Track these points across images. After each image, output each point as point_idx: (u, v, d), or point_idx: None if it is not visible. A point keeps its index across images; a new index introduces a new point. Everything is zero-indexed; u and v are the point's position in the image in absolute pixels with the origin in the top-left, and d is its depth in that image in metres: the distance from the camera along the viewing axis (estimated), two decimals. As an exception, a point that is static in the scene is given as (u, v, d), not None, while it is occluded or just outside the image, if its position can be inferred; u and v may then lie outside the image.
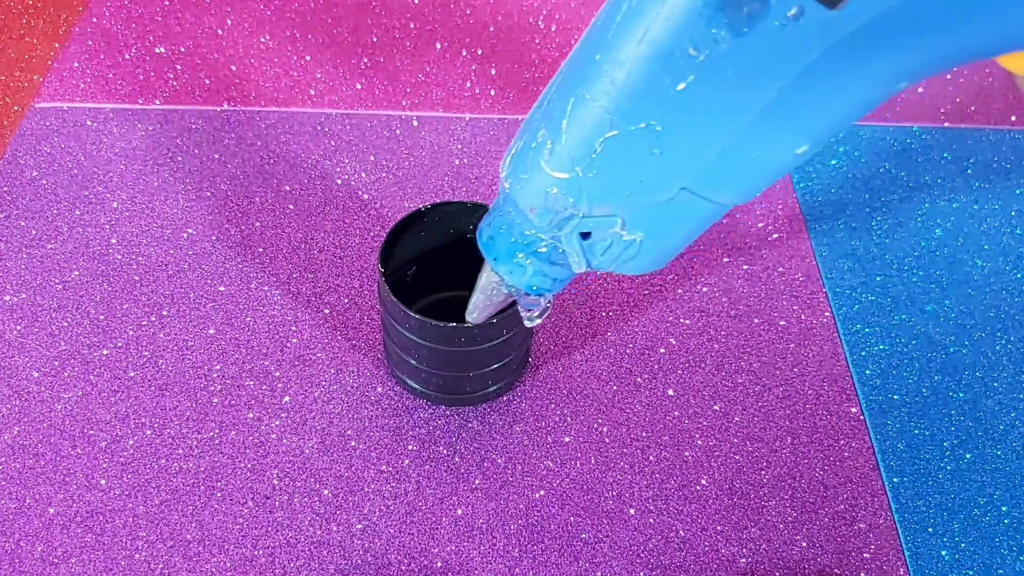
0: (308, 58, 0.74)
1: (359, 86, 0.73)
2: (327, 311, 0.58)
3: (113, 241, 0.61)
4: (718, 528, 0.50)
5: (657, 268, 0.31)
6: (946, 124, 0.73)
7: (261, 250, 0.61)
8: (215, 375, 0.54)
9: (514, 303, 0.39)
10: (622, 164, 0.26)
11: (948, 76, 0.77)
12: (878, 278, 0.62)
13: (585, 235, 0.29)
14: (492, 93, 0.72)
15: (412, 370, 0.51)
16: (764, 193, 0.67)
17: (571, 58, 0.27)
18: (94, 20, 0.77)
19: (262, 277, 0.59)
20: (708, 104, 0.24)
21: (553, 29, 0.77)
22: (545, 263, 0.32)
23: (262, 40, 0.76)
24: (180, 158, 0.66)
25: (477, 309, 0.39)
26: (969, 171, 0.70)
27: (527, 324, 0.38)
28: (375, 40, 0.76)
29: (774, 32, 0.21)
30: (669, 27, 0.23)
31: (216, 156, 0.67)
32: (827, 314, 0.60)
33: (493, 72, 0.74)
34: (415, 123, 0.70)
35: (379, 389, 0.54)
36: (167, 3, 0.78)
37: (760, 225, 0.65)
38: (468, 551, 0.48)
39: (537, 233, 0.31)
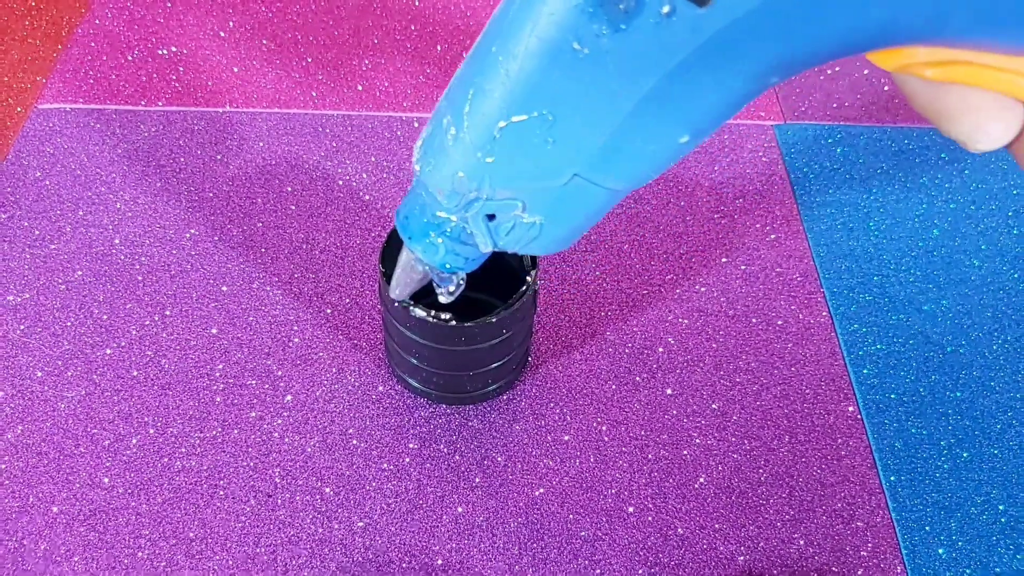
0: (309, 60, 0.75)
1: (360, 87, 0.73)
2: (329, 311, 0.58)
3: (116, 241, 0.61)
4: (716, 526, 0.50)
5: (562, 249, 0.32)
6: (944, 125, 0.73)
7: (263, 250, 0.61)
8: (217, 374, 0.55)
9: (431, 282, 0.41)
10: (519, 151, 0.27)
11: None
12: (875, 278, 0.63)
13: (491, 217, 0.31)
14: (492, 94, 0.73)
15: (413, 369, 0.51)
16: (762, 195, 0.67)
17: (473, 49, 0.28)
18: (97, 22, 0.77)
19: (264, 277, 0.60)
20: (593, 95, 0.25)
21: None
22: (456, 243, 0.34)
23: (264, 42, 0.76)
24: (183, 159, 0.67)
25: (399, 286, 0.41)
26: (966, 172, 0.70)
27: (442, 300, 0.40)
28: (376, 42, 0.77)
29: (650, 28, 0.23)
30: (554, 22, 0.24)
31: (218, 157, 0.67)
32: (824, 314, 0.60)
33: (493, 74, 0.74)
34: (416, 124, 0.70)
35: (380, 388, 0.55)
36: (170, 5, 0.79)
37: (758, 225, 0.65)
38: (468, 548, 0.49)
39: (447, 214, 0.32)
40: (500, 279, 0.54)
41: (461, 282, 0.39)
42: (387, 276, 0.47)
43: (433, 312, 0.45)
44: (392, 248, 0.49)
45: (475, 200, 0.30)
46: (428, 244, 0.34)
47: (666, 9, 0.22)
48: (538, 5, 0.24)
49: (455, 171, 0.29)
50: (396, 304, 0.46)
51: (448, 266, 0.35)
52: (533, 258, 0.48)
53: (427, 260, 0.35)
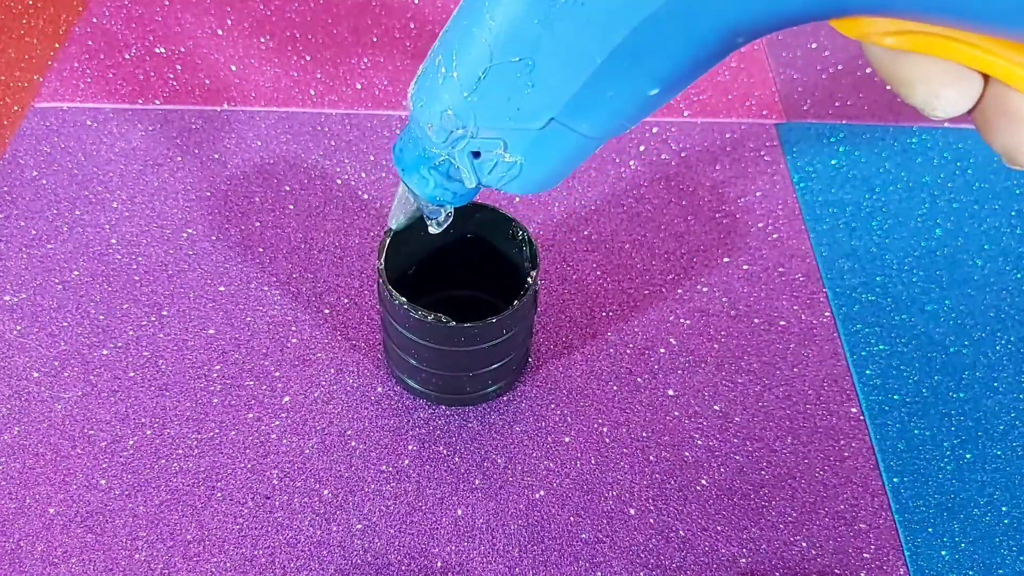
0: (308, 58, 0.74)
1: (359, 86, 0.73)
2: (327, 311, 0.58)
3: (113, 241, 0.61)
4: (718, 528, 0.50)
5: (540, 191, 0.34)
6: (946, 124, 0.73)
7: (261, 250, 0.61)
8: (215, 375, 0.54)
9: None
10: (501, 93, 0.29)
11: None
12: (878, 278, 0.62)
13: (476, 155, 0.33)
14: (492, 93, 0.72)
15: (412, 370, 0.51)
16: (764, 194, 0.67)
17: None
18: (94, 20, 0.77)
19: (262, 277, 0.59)
20: (569, 44, 0.27)
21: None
22: (444, 178, 0.36)
23: (262, 40, 0.76)
24: (180, 158, 0.66)
25: (395, 216, 0.43)
26: (969, 171, 0.70)
27: (431, 231, 0.42)
28: (375, 40, 0.76)
29: None
30: None
31: (216, 156, 0.67)
32: (827, 314, 0.60)
33: (493, 72, 0.74)
34: (415, 123, 0.70)
35: (379, 389, 0.54)
36: (167, 3, 0.78)
37: (760, 225, 0.65)
38: (468, 551, 0.48)
39: (435, 149, 0.34)
40: (500, 279, 0.53)
41: (449, 215, 0.42)
42: (386, 276, 0.47)
43: (433, 313, 0.45)
44: (391, 248, 0.48)
45: (461, 137, 0.32)
46: (420, 177, 0.36)
47: None
48: None
49: (444, 108, 0.31)
50: (396, 305, 0.45)
51: (437, 199, 0.37)
52: (533, 258, 0.48)
53: (418, 192, 0.37)
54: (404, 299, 0.45)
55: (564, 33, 0.26)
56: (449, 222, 0.42)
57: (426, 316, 0.45)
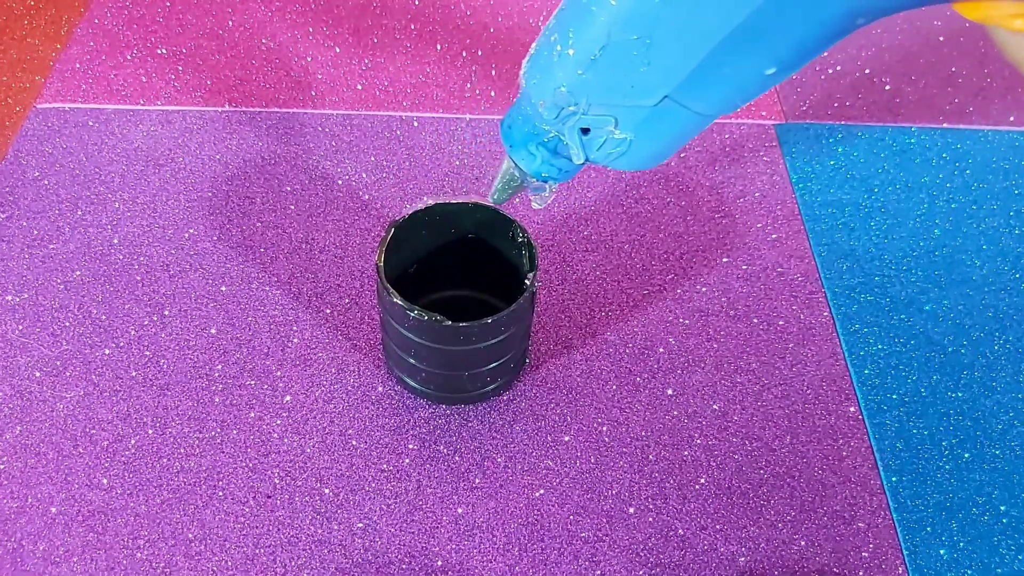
0: (309, 59, 0.75)
1: (360, 87, 0.73)
2: (328, 311, 0.58)
3: (115, 241, 0.61)
4: (717, 527, 0.50)
5: (647, 167, 0.35)
6: (945, 124, 0.73)
7: (262, 250, 0.61)
8: (216, 375, 0.55)
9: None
10: (617, 71, 0.30)
11: (947, 76, 0.77)
12: (876, 278, 0.62)
13: (585, 131, 0.34)
14: (492, 94, 0.73)
15: (411, 369, 0.51)
16: (763, 194, 0.67)
17: None
18: (96, 21, 0.77)
19: (263, 277, 0.60)
20: (689, 23, 0.27)
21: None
22: (551, 154, 0.37)
23: (263, 41, 0.76)
24: (182, 159, 0.66)
25: (497, 191, 0.44)
26: (968, 171, 0.70)
27: (535, 206, 0.43)
28: (376, 41, 0.77)
29: None
30: None
31: (217, 157, 0.67)
32: (826, 314, 0.60)
33: (493, 73, 0.74)
34: (415, 124, 0.70)
35: (380, 389, 0.55)
36: (168, 4, 0.78)
37: (759, 225, 0.65)
38: (468, 550, 0.48)
39: (545, 125, 0.35)
40: (500, 279, 0.54)
41: (552, 191, 0.42)
42: (385, 275, 0.47)
43: (428, 312, 0.45)
44: (392, 248, 0.49)
45: (572, 114, 0.33)
46: (527, 154, 0.37)
47: None
48: None
49: (558, 85, 0.32)
50: (393, 303, 0.46)
51: (543, 175, 0.38)
52: (531, 259, 0.48)
53: (525, 168, 0.38)
54: (400, 297, 0.46)
55: (685, 11, 0.27)
56: (552, 197, 0.43)
57: (422, 315, 0.45)
